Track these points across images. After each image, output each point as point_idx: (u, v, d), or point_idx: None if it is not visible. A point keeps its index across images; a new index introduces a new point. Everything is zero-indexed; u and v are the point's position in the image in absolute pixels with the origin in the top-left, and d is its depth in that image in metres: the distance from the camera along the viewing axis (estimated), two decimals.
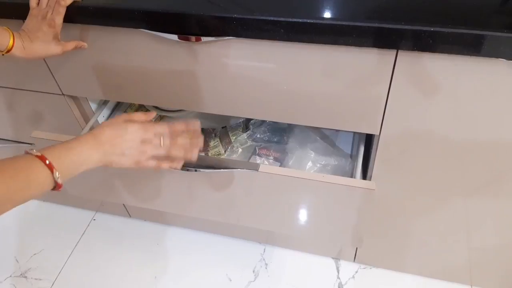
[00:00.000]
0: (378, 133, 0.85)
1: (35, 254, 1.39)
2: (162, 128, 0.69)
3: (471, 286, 1.21)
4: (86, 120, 1.10)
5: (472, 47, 0.65)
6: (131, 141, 0.65)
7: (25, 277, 1.34)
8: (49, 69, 0.96)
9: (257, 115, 0.90)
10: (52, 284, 1.31)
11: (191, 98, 0.90)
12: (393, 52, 0.70)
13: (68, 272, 1.34)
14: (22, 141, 1.23)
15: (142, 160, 0.67)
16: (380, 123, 0.83)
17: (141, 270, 1.32)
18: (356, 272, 1.26)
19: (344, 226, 0.95)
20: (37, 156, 0.56)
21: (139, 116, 0.69)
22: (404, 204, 1.01)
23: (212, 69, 0.82)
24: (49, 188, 0.58)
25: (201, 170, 0.87)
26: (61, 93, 1.02)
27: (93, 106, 1.11)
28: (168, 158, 0.70)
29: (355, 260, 1.26)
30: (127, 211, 1.41)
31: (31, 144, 1.22)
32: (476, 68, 0.69)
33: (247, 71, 0.81)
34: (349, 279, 1.25)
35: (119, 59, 0.88)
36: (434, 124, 0.81)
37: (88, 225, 1.46)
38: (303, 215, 0.95)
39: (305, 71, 0.78)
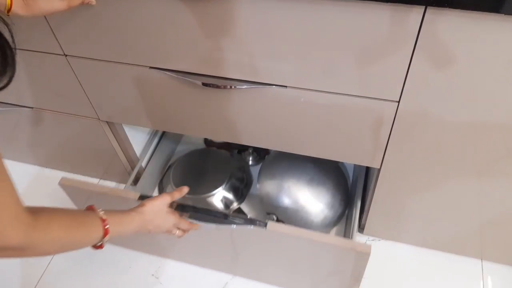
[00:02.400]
0: (397, 103, 0.81)
1: None
2: (184, 225, 0.88)
3: (482, 259, 1.19)
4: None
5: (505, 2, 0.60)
6: (165, 227, 0.84)
7: None
8: (51, 28, 0.91)
9: None
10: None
11: None
12: (421, 9, 0.65)
13: None
14: (23, 105, 1.19)
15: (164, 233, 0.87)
16: (400, 93, 0.79)
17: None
18: (365, 243, 1.24)
19: None
20: (101, 218, 0.68)
21: (176, 194, 0.87)
22: (415, 178, 0.98)
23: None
24: (92, 245, 0.70)
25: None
26: (63, 54, 0.97)
27: None
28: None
29: (364, 232, 1.24)
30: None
31: (31, 108, 1.18)
32: (504, 32, 0.65)
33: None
34: None
35: (131, 18, 0.83)
36: (451, 96, 0.77)
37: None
38: None
39: (323, 32, 0.73)
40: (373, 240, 1.25)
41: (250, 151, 1.42)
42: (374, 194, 1.07)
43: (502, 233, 1.08)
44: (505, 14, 0.62)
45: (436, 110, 0.81)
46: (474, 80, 0.74)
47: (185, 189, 0.91)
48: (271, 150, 1.35)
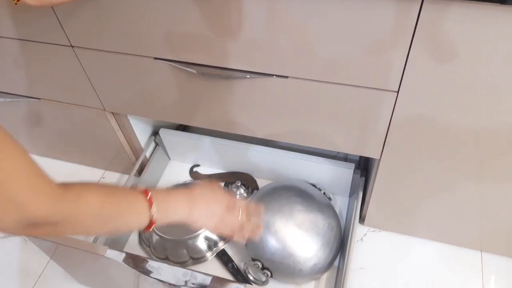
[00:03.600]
0: (396, 93, 0.83)
1: None
2: (243, 203, 0.74)
3: (481, 251, 1.20)
4: None
5: None
6: (218, 205, 0.70)
7: None
8: (58, 19, 0.93)
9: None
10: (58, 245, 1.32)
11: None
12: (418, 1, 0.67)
13: None
14: (31, 96, 1.22)
15: (220, 227, 0.71)
16: (399, 83, 0.81)
17: None
18: (365, 234, 1.26)
19: None
20: (141, 191, 0.61)
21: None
22: (414, 168, 0.99)
23: None
24: (144, 222, 0.60)
25: None
26: (69, 45, 0.99)
27: None
28: (239, 230, 0.74)
29: (364, 223, 1.26)
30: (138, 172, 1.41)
31: (38, 99, 1.21)
32: (503, 23, 0.66)
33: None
34: (357, 241, 1.25)
35: (137, 9, 0.85)
36: (450, 87, 0.78)
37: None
38: None
39: (322, 23, 0.75)
40: (373, 231, 1.26)
41: (238, 184, 1.33)
42: (374, 185, 1.08)
43: (502, 225, 1.09)
44: (505, 4, 0.63)
45: (435, 100, 0.82)
46: (473, 70, 0.74)
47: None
48: (261, 185, 1.32)
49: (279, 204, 1.13)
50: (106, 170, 1.50)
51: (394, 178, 1.05)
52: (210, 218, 0.69)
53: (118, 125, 1.25)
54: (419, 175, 1.01)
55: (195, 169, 1.44)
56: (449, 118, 0.84)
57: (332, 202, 1.24)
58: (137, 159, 1.36)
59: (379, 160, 1.00)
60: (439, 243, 1.22)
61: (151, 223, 0.61)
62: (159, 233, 1.18)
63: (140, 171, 1.35)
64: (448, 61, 0.74)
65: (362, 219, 1.26)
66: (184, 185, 1.32)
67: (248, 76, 0.90)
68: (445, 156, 0.93)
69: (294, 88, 0.90)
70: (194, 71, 0.92)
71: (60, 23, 0.94)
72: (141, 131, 1.34)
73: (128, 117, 1.24)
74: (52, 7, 0.90)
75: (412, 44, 0.73)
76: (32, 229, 0.47)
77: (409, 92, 0.82)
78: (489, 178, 0.95)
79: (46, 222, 0.47)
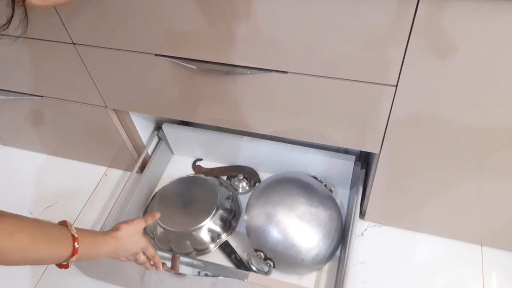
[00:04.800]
0: (394, 87, 0.83)
1: (48, 206, 1.42)
2: (151, 251, 0.87)
3: (481, 245, 1.21)
4: None
5: None
6: (133, 250, 0.81)
7: None
8: (60, 17, 0.94)
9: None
10: None
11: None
12: None
13: (80, 225, 1.36)
14: (34, 93, 1.23)
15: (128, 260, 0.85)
16: (397, 77, 0.81)
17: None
18: (366, 229, 1.27)
19: None
20: (72, 236, 0.66)
21: (148, 219, 0.87)
22: (414, 163, 1.00)
23: None
24: (57, 262, 0.67)
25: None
26: (71, 42, 1.00)
27: None
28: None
29: (365, 218, 1.26)
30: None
31: (41, 96, 1.22)
32: (502, 14, 0.66)
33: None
34: (358, 236, 1.25)
35: (138, 5, 0.86)
36: (448, 80, 0.78)
37: (100, 180, 1.47)
38: None
39: (317, 24, 0.75)
40: (373, 226, 1.27)
41: (240, 177, 1.36)
42: (374, 180, 1.09)
43: (502, 219, 1.09)
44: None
45: (434, 94, 0.82)
46: (471, 64, 0.75)
47: (157, 215, 0.92)
48: (263, 178, 1.33)
49: (281, 196, 1.15)
50: (108, 167, 1.51)
51: (394, 173, 1.05)
52: (124, 257, 0.83)
53: (120, 122, 1.26)
54: (419, 169, 1.01)
55: (198, 163, 1.45)
56: (448, 112, 0.85)
57: (333, 194, 1.25)
58: (139, 156, 1.38)
59: (379, 154, 1.01)
60: (439, 237, 1.22)
61: (65, 266, 0.67)
62: (163, 225, 1.20)
63: (142, 168, 1.36)
64: (446, 56, 0.75)
65: (362, 214, 1.27)
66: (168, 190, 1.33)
67: (248, 72, 0.91)
68: (445, 150, 0.94)
69: (293, 83, 0.90)
70: (194, 67, 0.93)
71: (61, 20, 0.95)
72: (143, 128, 1.35)
73: (130, 114, 1.25)
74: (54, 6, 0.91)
75: (410, 39, 0.74)
76: None
77: (407, 86, 0.82)
78: (489, 171, 0.96)
79: None
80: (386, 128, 0.93)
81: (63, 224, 0.68)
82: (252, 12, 0.79)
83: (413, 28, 0.72)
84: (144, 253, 0.86)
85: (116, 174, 1.49)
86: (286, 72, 0.89)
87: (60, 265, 0.67)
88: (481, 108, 0.82)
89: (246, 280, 0.95)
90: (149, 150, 1.39)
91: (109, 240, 0.75)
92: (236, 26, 0.82)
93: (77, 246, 0.66)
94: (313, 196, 1.17)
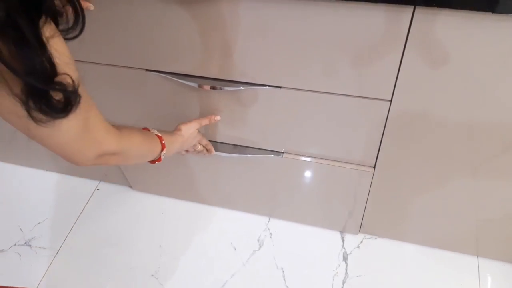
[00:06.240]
0: (389, 102, 0.83)
1: (39, 223, 1.39)
2: (204, 140, 1.04)
3: (477, 256, 1.20)
4: None
5: (493, 1, 0.61)
6: (192, 143, 0.98)
7: (29, 245, 1.34)
8: None
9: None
10: (56, 253, 1.31)
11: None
12: (410, 9, 0.67)
13: (72, 241, 1.34)
14: None
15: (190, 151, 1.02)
16: (392, 92, 0.80)
17: (146, 239, 1.32)
18: (361, 242, 1.26)
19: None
20: (157, 135, 0.83)
21: (204, 121, 0.98)
22: (409, 176, 0.99)
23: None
24: (154, 158, 0.83)
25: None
26: None
27: None
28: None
29: (360, 230, 1.25)
30: (129, 184, 1.40)
31: None
32: (495, 28, 0.66)
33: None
34: (354, 248, 1.24)
35: (127, 21, 0.84)
36: (445, 93, 0.78)
37: (92, 194, 1.45)
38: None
39: (314, 33, 0.74)
40: (370, 238, 1.26)
41: None
42: (370, 193, 1.08)
43: (498, 230, 1.09)
44: (492, 12, 0.63)
45: (428, 108, 0.82)
46: (465, 78, 0.75)
47: (215, 118, 1.00)
48: None
49: None
50: (100, 181, 1.48)
51: (389, 185, 1.05)
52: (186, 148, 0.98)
53: None
54: (414, 182, 1.01)
55: None
56: (442, 125, 0.84)
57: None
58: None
59: (374, 168, 1.00)
60: (436, 249, 1.22)
61: (159, 159, 0.84)
62: None
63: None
64: (439, 69, 0.74)
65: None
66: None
67: (241, 88, 0.89)
68: (440, 162, 0.93)
69: (287, 97, 0.89)
70: (187, 82, 0.92)
71: None
72: None
73: None
74: None
75: (404, 53, 0.73)
76: (101, 159, 0.66)
77: (402, 101, 0.82)
78: (483, 184, 0.96)
79: (112, 153, 0.68)
80: (381, 142, 0.92)
81: (145, 129, 0.83)
82: (243, 28, 0.78)
83: (407, 43, 0.72)
84: (200, 144, 1.02)
85: (108, 188, 1.47)
86: (280, 87, 0.88)
87: (153, 161, 0.84)
88: (476, 121, 0.82)
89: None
90: None
91: (178, 137, 0.91)
92: (228, 42, 0.81)
93: (163, 142, 0.83)
94: None
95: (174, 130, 0.93)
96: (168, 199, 1.41)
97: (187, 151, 1.00)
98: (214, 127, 1.05)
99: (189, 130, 0.94)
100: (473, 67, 0.73)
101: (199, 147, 1.03)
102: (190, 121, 0.95)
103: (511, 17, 0.63)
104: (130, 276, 1.25)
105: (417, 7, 0.66)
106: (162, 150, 0.83)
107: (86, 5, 0.81)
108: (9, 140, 1.38)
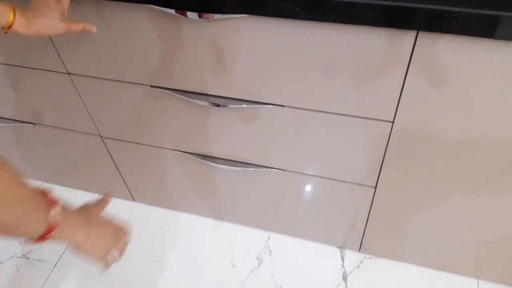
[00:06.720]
0: (391, 123, 0.83)
1: None
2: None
3: (477, 278, 1.19)
4: None
5: (494, 28, 0.62)
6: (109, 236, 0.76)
7: (27, 258, 1.33)
8: (55, 47, 0.94)
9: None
10: (54, 266, 1.30)
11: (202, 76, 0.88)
12: (413, 34, 0.68)
13: (70, 254, 1.33)
14: (26, 120, 1.21)
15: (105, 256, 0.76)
16: (394, 113, 0.81)
17: (144, 254, 1.31)
18: (361, 261, 1.25)
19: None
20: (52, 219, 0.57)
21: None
22: (410, 196, 0.99)
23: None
24: (32, 238, 0.57)
25: None
26: (66, 72, 1.00)
27: None
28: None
29: (360, 250, 1.25)
30: (131, 195, 1.40)
31: (33, 124, 1.20)
32: (496, 53, 0.67)
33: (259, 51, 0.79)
34: (353, 268, 1.24)
35: (133, 39, 0.86)
36: (447, 115, 0.79)
37: None
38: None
39: (318, 54, 0.75)
40: (369, 258, 1.25)
41: None
42: (370, 212, 1.08)
43: (498, 252, 1.08)
44: (494, 38, 0.64)
45: (430, 130, 0.82)
46: (467, 101, 0.75)
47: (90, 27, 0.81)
48: None
49: None
50: (100, 194, 1.48)
51: (390, 205, 1.04)
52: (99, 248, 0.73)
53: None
54: (415, 202, 1.01)
55: None
56: (443, 147, 0.85)
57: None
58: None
59: (375, 187, 1.00)
60: (436, 270, 1.21)
61: (41, 238, 0.58)
62: None
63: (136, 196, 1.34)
64: (441, 91, 0.75)
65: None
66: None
67: (244, 106, 0.90)
68: (441, 183, 0.93)
69: (290, 116, 0.90)
70: (191, 99, 0.93)
71: (57, 51, 0.95)
72: None
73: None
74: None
75: (407, 76, 0.74)
76: None
77: (404, 122, 0.83)
78: (484, 205, 0.95)
79: None
80: (382, 161, 0.93)
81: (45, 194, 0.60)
82: (250, 47, 0.79)
83: (410, 66, 0.73)
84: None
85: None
86: (283, 105, 0.88)
87: (30, 240, 0.58)
88: (477, 142, 0.82)
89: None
90: None
91: (79, 225, 0.68)
92: (232, 61, 0.82)
93: (52, 224, 0.57)
94: None
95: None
96: (169, 212, 1.40)
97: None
98: (216, 144, 1.05)
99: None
100: (474, 90, 0.73)
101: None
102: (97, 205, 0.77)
103: (510, 43, 0.64)
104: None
105: (420, 31, 0.67)
106: (50, 233, 0.57)
107: (89, 27, 0.81)
108: (10, 153, 1.38)
